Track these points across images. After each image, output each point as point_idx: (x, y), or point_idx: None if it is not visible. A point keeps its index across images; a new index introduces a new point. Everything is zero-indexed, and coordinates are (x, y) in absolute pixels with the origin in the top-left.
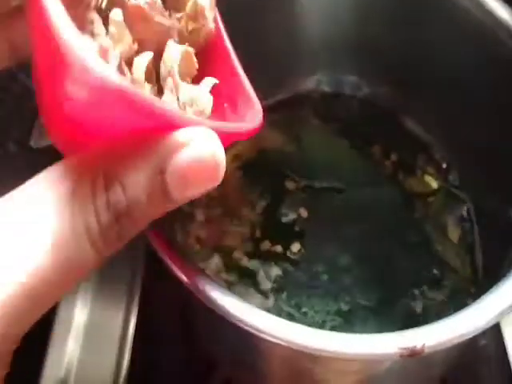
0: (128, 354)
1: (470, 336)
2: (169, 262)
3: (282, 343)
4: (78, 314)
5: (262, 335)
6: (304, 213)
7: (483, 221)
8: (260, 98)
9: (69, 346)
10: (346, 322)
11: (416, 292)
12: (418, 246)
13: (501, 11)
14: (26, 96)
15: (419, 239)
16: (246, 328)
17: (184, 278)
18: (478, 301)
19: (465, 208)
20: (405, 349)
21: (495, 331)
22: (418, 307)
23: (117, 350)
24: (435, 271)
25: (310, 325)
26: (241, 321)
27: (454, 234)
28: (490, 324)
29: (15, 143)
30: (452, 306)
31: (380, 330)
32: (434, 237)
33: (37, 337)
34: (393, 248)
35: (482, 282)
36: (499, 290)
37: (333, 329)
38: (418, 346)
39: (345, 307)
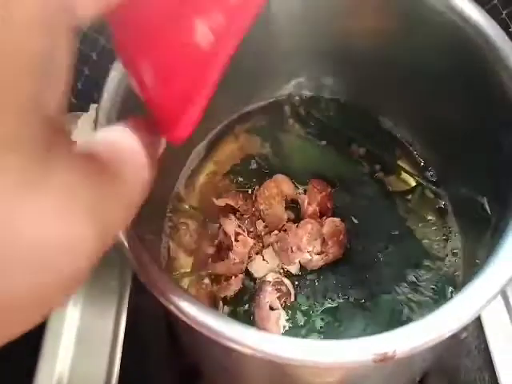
0: (118, 360)
1: (443, 339)
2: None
3: (257, 354)
4: (69, 322)
5: (239, 348)
6: (289, 214)
7: (460, 210)
8: (240, 105)
9: (60, 354)
10: (334, 320)
11: (401, 285)
12: (401, 240)
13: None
14: None
15: (402, 233)
16: (224, 343)
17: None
18: (452, 300)
19: (442, 202)
20: (377, 355)
21: (476, 324)
22: (404, 300)
23: (108, 357)
24: (418, 263)
25: (297, 322)
26: (218, 335)
27: (433, 225)
28: (462, 326)
29: None
30: (437, 296)
31: (367, 326)
32: (415, 230)
33: (29, 344)
34: (376, 244)
35: (465, 269)
36: (474, 288)
37: (321, 327)
38: (390, 352)
39: (332, 304)
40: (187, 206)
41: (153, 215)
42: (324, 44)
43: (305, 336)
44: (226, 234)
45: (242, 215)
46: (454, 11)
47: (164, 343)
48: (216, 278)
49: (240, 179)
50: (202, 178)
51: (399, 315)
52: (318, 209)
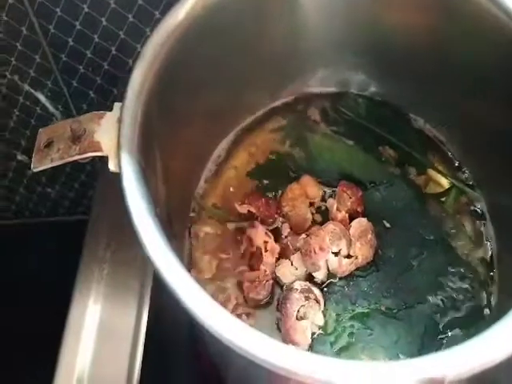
0: (140, 359)
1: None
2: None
3: (292, 376)
4: (89, 320)
5: (268, 367)
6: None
7: (497, 216)
8: (265, 102)
9: (80, 351)
10: (365, 327)
11: (436, 295)
12: (435, 245)
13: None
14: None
15: (436, 238)
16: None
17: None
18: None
19: (478, 205)
20: (423, 381)
21: None
22: (438, 311)
23: (128, 356)
24: (453, 271)
25: (326, 331)
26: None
27: (469, 231)
28: None
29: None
30: (471, 309)
31: (399, 336)
32: (450, 235)
33: (50, 339)
34: (410, 248)
35: (501, 279)
36: None
37: (351, 335)
38: (438, 377)
39: (363, 310)
40: (210, 206)
41: (176, 216)
42: (354, 38)
43: (333, 343)
44: (251, 242)
45: (264, 220)
46: (498, 6)
47: (186, 344)
48: (240, 284)
49: (264, 180)
50: (225, 177)
51: (433, 328)
52: (347, 215)
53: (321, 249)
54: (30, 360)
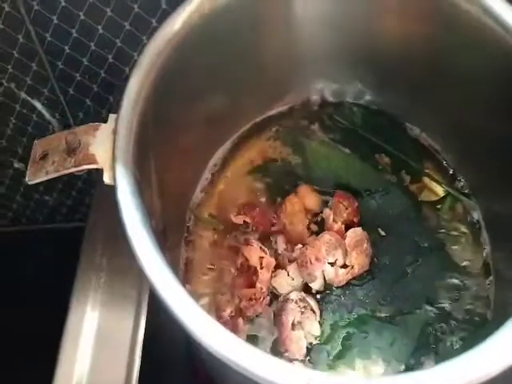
0: (137, 367)
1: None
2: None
3: None
4: (88, 323)
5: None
6: (312, 225)
7: (492, 224)
8: (262, 110)
9: (78, 359)
10: (361, 332)
11: (431, 302)
12: (430, 253)
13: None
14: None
15: (431, 246)
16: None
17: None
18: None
19: (473, 213)
20: None
21: None
22: (434, 316)
23: (126, 363)
24: (450, 277)
25: (323, 340)
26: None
27: (464, 238)
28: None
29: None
30: (468, 315)
31: (394, 339)
32: (445, 243)
33: (48, 345)
34: (406, 255)
35: (496, 286)
36: None
37: (347, 339)
38: None
39: (358, 318)
40: (206, 216)
41: (171, 227)
42: (350, 48)
43: (330, 352)
44: (246, 259)
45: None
46: (495, 19)
47: (183, 351)
48: (235, 295)
49: (260, 186)
50: (221, 186)
51: (429, 333)
52: (343, 226)
53: (317, 259)
54: (28, 361)
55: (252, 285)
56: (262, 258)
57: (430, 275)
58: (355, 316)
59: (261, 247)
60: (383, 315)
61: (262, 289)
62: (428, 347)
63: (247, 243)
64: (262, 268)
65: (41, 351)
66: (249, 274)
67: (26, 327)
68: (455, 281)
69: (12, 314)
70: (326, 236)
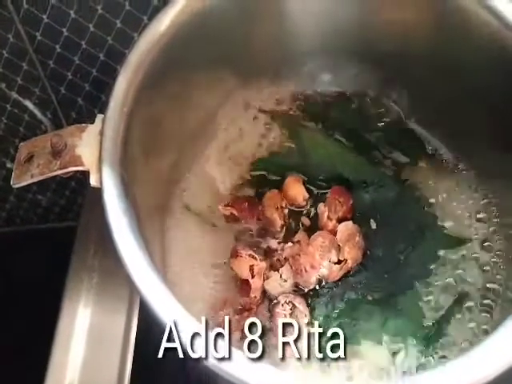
0: (129, 365)
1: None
2: None
3: None
4: (80, 322)
5: None
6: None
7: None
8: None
9: (71, 355)
10: (351, 319)
11: (422, 282)
12: (422, 235)
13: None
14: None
15: (424, 229)
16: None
17: None
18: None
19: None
20: None
21: None
22: (424, 299)
23: (118, 361)
24: (439, 260)
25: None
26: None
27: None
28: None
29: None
30: (459, 297)
31: (387, 320)
32: (438, 229)
33: (40, 343)
34: (398, 244)
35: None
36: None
37: (337, 319)
38: None
39: (350, 304)
40: (196, 211)
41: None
42: (347, 41)
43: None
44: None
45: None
46: (485, 7)
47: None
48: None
49: (254, 172)
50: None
51: (420, 311)
52: (337, 224)
53: (312, 267)
54: (20, 360)
55: (246, 294)
56: (252, 265)
57: (423, 257)
58: (347, 301)
59: (250, 254)
60: (374, 299)
61: (255, 297)
62: (420, 326)
63: (236, 255)
64: (253, 277)
65: (33, 351)
66: (242, 287)
67: (18, 327)
68: (445, 261)
69: (5, 313)
70: (319, 239)
